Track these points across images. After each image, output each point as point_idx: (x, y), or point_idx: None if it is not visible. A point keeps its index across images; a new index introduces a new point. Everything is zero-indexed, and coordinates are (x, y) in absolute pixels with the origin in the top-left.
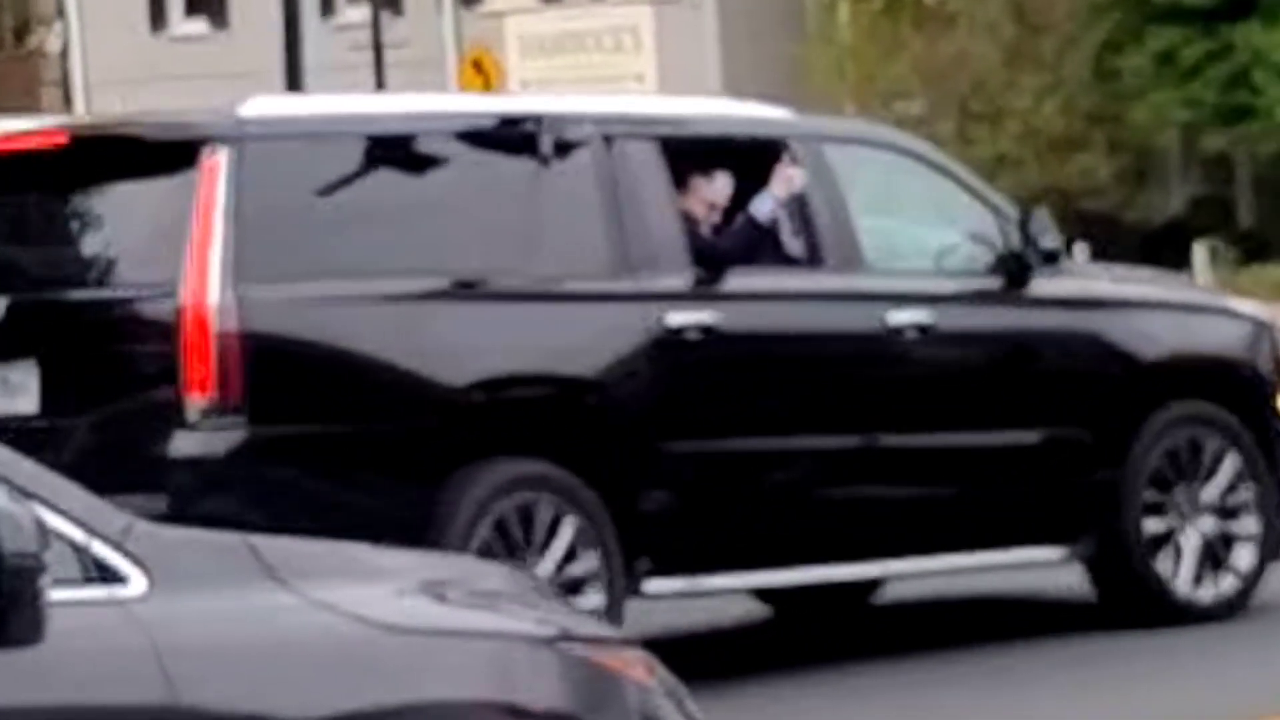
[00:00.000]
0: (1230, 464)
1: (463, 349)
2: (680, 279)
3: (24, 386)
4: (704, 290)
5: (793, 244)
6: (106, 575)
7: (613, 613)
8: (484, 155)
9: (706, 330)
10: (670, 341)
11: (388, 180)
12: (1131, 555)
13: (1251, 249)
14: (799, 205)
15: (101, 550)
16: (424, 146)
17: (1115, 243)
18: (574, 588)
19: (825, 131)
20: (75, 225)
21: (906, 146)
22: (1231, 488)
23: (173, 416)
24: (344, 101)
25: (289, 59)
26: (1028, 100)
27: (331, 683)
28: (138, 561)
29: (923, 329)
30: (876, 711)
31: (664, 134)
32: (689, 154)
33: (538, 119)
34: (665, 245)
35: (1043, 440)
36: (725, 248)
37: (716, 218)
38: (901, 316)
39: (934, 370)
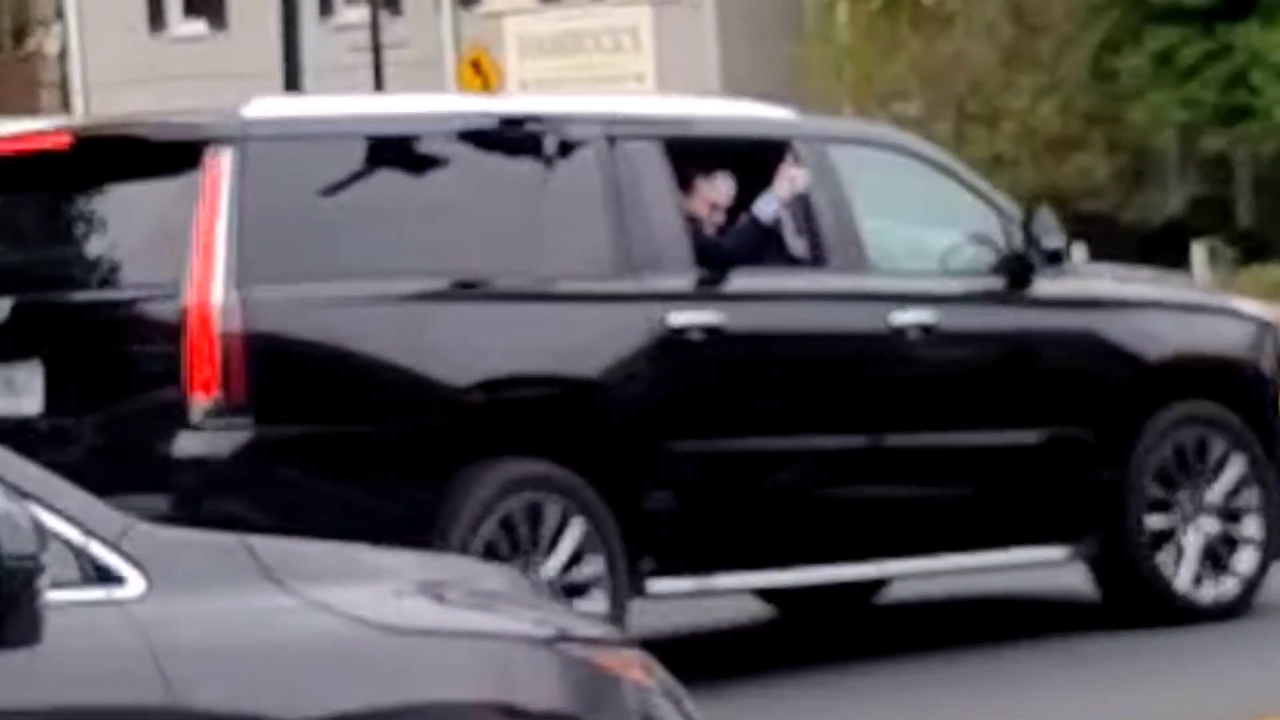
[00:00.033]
0: (1236, 467)
1: (466, 349)
2: (684, 279)
3: (29, 387)
4: (707, 290)
5: (796, 244)
6: (104, 576)
7: (617, 613)
8: (488, 156)
9: (710, 330)
10: (674, 342)
11: (392, 181)
12: (1135, 555)
13: (1250, 249)
14: (802, 206)
15: (99, 551)
16: (428, 147)
17: (1113, 243)
18: (579, 590)
19: (829, 132)
20: (79, 226)
21: (910, 147)
22: (1236, 491)
23: (177, 417)
24: (348, 102)
25: (288, 60)
26: (1025, 100)
27: (329, 683)
28: (135, 562)
29: (926, 329)
30: (876, 711)
31: (667, 134)
32: (692, 154)
33: (541, 119)
34: (669, 245)
35: (1046, 440)
36: (729, 248)
37: (720, 218)
38: (905, 317)
39: (937, 370)
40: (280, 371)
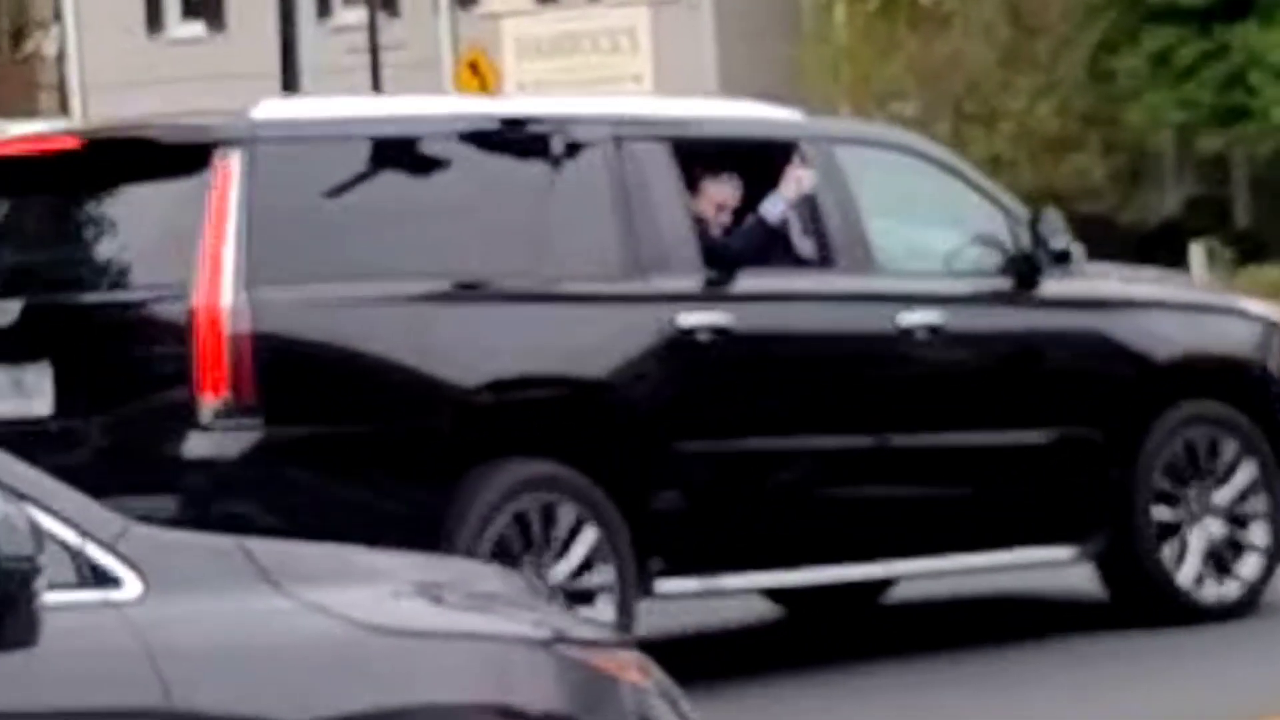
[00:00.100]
0: (1246, 472)
1: (475, 350)
2: (692, 280)
3: (38, 388)
4: (715, 291)
5: (803, 245)
6: (101, 578)
7: (624, 621)
8: (496, 157)
9: (718, 331)
10: (682, 342)
11: (400, 182)
12: (1142, 554)
13: (1248, 250)
14: (809, 207)
15: (96, 553)
16: (436, 149)
17: (1111, 244)
18: (586, 597)
19: (835, 132)
20: (88, 228)
21: (916, 147)
22: (1244, 496)
23: (186, 418)
24: (357, 104)
25: (286, 61)
26: (1023, 101)
27: (326, 685)
28: (132, 565)
29: (933, 330)
30: (876, 712)
31: (675, 135)
32: (700, 155)
33: (550, 121)
34: (676, 246)
35: (1054, 440)
36: (736, 249)
37: (727, 219)
38: (912, 317)
39: (945, 371)
40: (289, 372)
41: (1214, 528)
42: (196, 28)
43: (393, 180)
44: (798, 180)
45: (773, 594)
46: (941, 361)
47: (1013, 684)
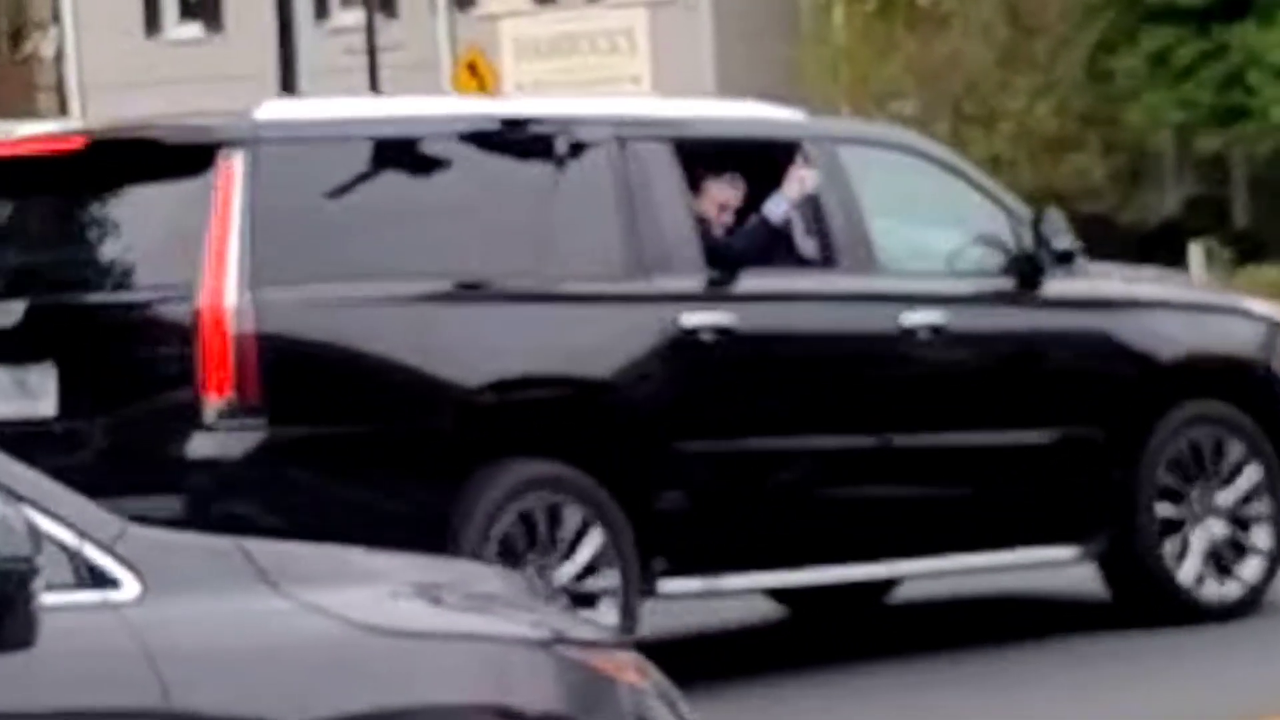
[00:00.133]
0: (1251, 475)
1: (478, 350)
2: (695, 280)
3: (42, 389)
4: (718, 291)
5: (806, 245)
6: (99, 579)
7: (627, 624)
8: (500, 158)
9: (721, 331)
10: (685, 342)
11: (403, 183)
12: (1144, 554)
13: (1247, 250)
14: (812, 206)
15: (94, 554)
16: (439, 149)
17: (1110, 244)
18: (589, 599)
19: (838, 133)
20: (92, 228)
21: (919, 147)
22: (1247, 499)
23: (190, 418)
24: (359, 105)
25: (284, 62)
26: (1021, 101)
27: (325, 686)
28: (130, 566)
29: (936, 330)
30: (877, 712)
31: (677, 136)
32: (702, 156)
33: (552, 121)
34: (679, 246)
35: (1057, 440)
36: (739, 249)
37: (729, 219)
38: (915, 317)
39: (948, 371)
40: (293, 372)
41: (1216, 528)
42: (194, 29)
43: (396, 181)
44: (800, 180)
45: (776, 594)
46: (944, 361)
47: (1013, 684)
